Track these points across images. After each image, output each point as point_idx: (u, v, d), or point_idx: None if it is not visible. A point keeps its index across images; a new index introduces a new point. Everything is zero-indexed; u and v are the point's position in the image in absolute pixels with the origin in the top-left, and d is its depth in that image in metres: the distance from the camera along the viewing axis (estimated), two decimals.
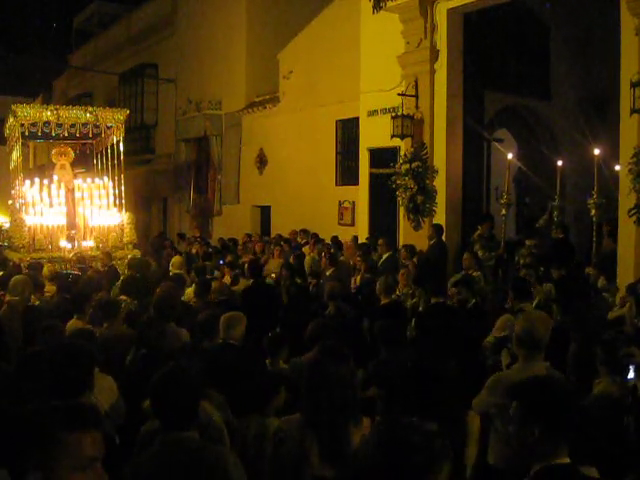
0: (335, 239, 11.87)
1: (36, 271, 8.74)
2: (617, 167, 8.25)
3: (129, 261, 9.91)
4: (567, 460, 2.43)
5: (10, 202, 13.63)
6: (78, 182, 12.83)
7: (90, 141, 13.45)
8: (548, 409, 2.42)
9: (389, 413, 4.33)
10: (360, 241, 11.24)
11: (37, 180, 12.18)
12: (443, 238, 10.06)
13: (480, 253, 9.14)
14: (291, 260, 10.29)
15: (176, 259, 10.27)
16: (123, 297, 7.04)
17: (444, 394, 3.25)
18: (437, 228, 10.00)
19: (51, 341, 4.33)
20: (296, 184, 14.85)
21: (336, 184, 14.22)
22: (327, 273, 9.33)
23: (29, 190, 12.00)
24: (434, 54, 10.52)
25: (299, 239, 13.16)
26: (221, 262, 10.48)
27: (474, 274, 8.10)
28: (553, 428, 2.40)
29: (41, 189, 11.95)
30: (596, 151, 8.30)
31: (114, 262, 10.80)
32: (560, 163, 9.01)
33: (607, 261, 8.16)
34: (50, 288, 7.92)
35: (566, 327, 5.51)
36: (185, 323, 5.87)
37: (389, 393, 4.49)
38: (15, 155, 12.72)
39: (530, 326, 3.97)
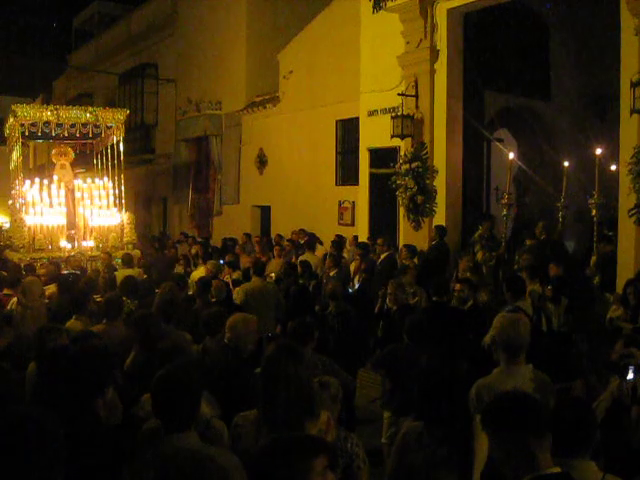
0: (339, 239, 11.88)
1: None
2: (613, 167, 8.23)
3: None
4: (558, 469, 2.43)
5: (10, 202, 13.64)
6: (78, 182, 12.84)
7: (90, 141, 13.46)
8: (519, 424, 2.41)
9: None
10: (360, 241, 11.24)
11: (37, 180, 12.19)
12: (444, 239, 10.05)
13: (480, 253, 9.13)
14: (293, 260, 10.32)
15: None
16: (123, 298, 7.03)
17: (451, 398, 3.27)
18: (440, 229, 9.99)
19: (51, 343, 4.32)
20: (296, 184, 14.85)
21: (336, 184, 14.21)
22: (330, 274, 9.33)
23: (29, 190, 12.00)
24: (434, 54, 10.51)
25: (299, 239, 13.15)
26: (221, 262, 10.48)
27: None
28: (527, 440, 2.39)
29: (41, 189, 11.95)
30: (597, 151, 8.29)
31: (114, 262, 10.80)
32: (566, 164, 8.98)
33: (606, 261, 8.16)
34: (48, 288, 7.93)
35: (569, 327, 5.51)
36: (185, 323, 5.87)
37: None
38: (15, 155, 12.73)
39: (508, 329, 3.96)
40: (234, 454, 2.94)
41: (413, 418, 3.53)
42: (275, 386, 2.95)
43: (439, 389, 3.39)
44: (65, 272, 9.52)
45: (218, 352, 4.82)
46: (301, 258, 10.48)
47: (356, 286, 9.20)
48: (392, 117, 10.66)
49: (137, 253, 11.87)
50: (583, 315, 6.30)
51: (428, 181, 10.57)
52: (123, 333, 5.44)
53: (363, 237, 11.60)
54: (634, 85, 7.57)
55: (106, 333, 5.31)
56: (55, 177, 12.65)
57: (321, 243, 12.31)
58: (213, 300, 7.30)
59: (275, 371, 2.99)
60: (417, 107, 10.64)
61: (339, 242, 11.41)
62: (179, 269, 10.16)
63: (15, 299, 6.64)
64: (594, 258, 8.20)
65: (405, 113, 10.52)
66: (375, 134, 11.57)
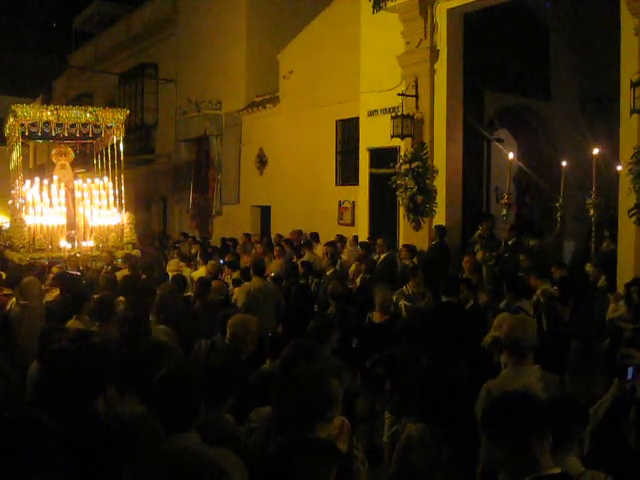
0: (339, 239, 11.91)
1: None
2: (618, 167, 8.23)
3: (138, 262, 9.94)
4: (558, 470, 2.43)
5: (10, 202, 13.65)
6: (78, 182, 12.85)
7: (90, 141, 13.47)
8: (516, 425, 2.41)
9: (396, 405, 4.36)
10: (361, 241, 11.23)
11: (37, 180, 12.19)
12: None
13: (480, 253, 9.13)
14: (294, 260, 10.32)
15: (172, 261, 10.31)
16: (121, 298, 7.03)
17: (455, 399, 3.27)
18: (440, 229, 9.99)
19: (55, 343, 4.32)
20: (296, 184, 14.85)
21: (336, 184, 14.22)
22: (327, 273, 9.34)
23: (29, 190, 12.01)
24: (434, 54, 10.51)
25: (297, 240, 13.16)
26: (221, 262, 10.49)
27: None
28: (527, 442, 2.38)
29: (41, 189, 11.96)
30: (595, 151, 8.29)
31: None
32: (565, 164, 8.99)
33: (607, 261, 8.17)
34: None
35: (571, 328, 5.52)
36: (186, 323, 5.87)
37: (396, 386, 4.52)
38: (15, 155, 12.74)
39: (512, 331, 3.96)
40: (236, 453, 2.96)
41: (416, 419, 3.53)
42: (287, 385, 2.94)
43: (441, 390, 3.39)
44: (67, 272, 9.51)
45: (222, 351, 4.86)
46: (302, 259, 10.51)
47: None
48: (392, 117, 10.66)
49: (137, 253, 11.88)
50: (585, 315, 6.30)
51: (428, 181, 10.57)
52: (117, 335, 5.42)
53: (363, 237, 11.60)
54: (634, 85, 7.57)
55: (99, 335, 5.29)
56: (55, 177, 12.65)
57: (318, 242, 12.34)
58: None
59: (288, 371, 2.98)
60: (417, 107, 10.64)
61: (334, 241, 11.43)
62: (182, 268, 10.15)
63: (14, 299, 6.63)
64: (589, 265, 8.21)
65: (405, 113, 10.52)
66: (375, 134, 11.57)
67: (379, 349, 5.18)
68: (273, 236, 13.88)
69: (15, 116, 11.85)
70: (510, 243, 9.06)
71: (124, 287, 7.32)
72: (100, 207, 12.25)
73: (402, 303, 7.27)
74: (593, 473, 2.73)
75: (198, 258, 11.61)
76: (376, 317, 6.37)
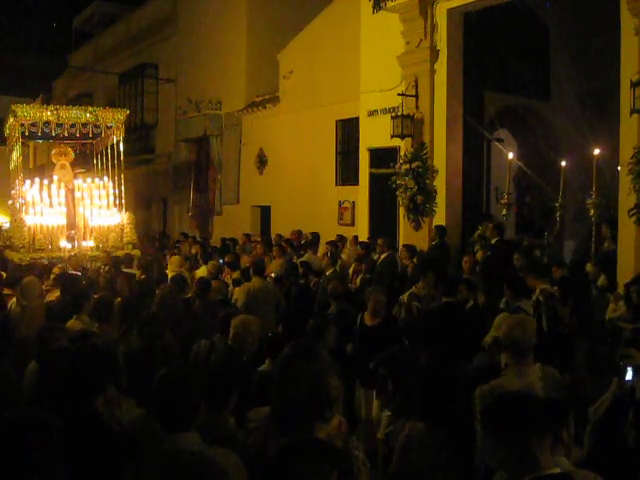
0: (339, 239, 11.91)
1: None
2: (618, 167, 8.23)
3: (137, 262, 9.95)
4: (557, 470, 2.44)
5: (10, 202, 13.65)
6: (78, 182, 12.85)
7: (90, 141, 13.47)
8: (514, 424, 2.42)
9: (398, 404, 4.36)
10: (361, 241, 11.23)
11: (37, 180, 12.19)
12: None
13: (480, 253, 9.14)
14: (294, 260, 10.32)
15: (174, 258, 10.30)
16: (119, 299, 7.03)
17: (455, 399, 3.27)
18: (440, 229, 9.99)
19: (54, 342, 4.32)
20: (296, 184, 14.85)
21: (336, 184, 14.22)
22: (327, 273, 9.34)
23: (29, 190, 12.01)
24: (434, 54, 10.52)
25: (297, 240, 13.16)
26: (221, 262, 10.49)
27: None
28: (524, 440, 2.39)
29: (41, 189, 11.97)
30: (595, 151, 8.30)
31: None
32: (564, 164, 9.00)
33: (607, 261, 8.17)
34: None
35: (572, 328, 5.52)
36: (186, 323, 5.87)
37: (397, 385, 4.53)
38: (15, 155, 12.74)
39: (512, 331, 3.96)
40: (236, 452, 2.96)
41: (416, 419, 3.53)
42: (285, 385, 2.93)
43: (441, 390, 3.39)
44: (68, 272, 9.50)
45: (223, 350, 4.86)
46: (302, 259, 10.50)
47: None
48: (392, 117, 10.66)
49: (137, 253, 11.87)
50: (585, 316, 6.31)
51: (428, 181, 10.58)
52: (116, 335, 5.42)
53: (363, 237, 11.61)
54: (634, 85, 7.57)
55: (98, 336, 5.28)
56: (55, 177, 12.66)
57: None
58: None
59: (287, 370, 2.97)
60: (417, 107, 10.64)
61: (335, 241, 11.44)
62: (182, 270, 10.14)
63: (14, 299, 6.64)
64: (589, 265, 8.21)
65: (405, 113, 10.52)
66: (375, 134, 11.57)
67: (371, 352, 5.17)
68: (273, 236, 13.87)
69: (15, 116, 11.86)
70: (493, 242, 9.04)
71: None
72: (100, 207, 12.25)
73: (414, 305, 7.23)
74: (583, 472, 2.73)
75: (198, 258, 11.61)
76: (368, 320, 6.39)
